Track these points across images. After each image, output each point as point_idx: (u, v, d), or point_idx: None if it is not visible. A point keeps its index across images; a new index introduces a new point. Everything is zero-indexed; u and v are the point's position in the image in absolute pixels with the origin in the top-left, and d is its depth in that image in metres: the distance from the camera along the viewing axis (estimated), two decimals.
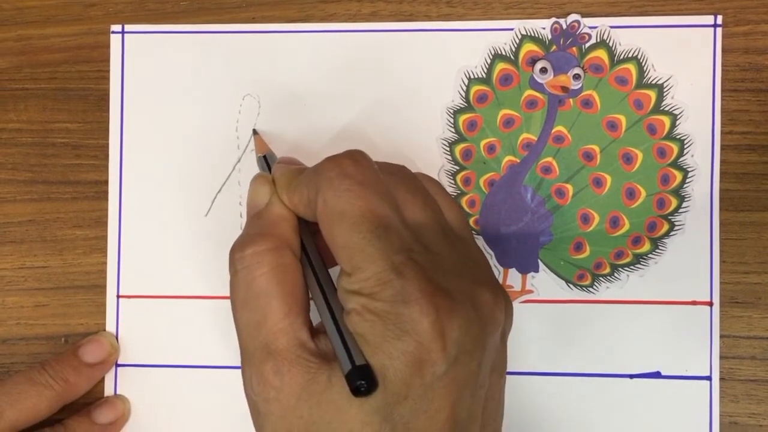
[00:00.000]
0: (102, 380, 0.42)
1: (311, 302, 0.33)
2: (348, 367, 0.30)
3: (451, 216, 0.34)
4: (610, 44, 0.41)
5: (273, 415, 0.31)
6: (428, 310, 0.29)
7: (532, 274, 0.42)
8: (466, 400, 0.30)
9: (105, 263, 0.43)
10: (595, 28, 0.41)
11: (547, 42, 0.41)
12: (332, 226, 0.31)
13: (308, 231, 0.35)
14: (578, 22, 0.41)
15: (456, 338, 0.30)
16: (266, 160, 0.39)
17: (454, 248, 0.33)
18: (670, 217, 0.41)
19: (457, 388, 0.30)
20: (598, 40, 0.41)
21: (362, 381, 0.29)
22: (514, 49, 0.42)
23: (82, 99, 0.43)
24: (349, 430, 0.29)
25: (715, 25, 0.41)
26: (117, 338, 0.43)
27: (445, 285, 0.30)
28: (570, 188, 0.41)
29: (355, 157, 0.32)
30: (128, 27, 0.43)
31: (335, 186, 0.31)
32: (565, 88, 0.41)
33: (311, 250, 0.34)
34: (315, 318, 0.33)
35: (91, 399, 0.42)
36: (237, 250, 0.33)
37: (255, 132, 0.42)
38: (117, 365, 0.42)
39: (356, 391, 0.29)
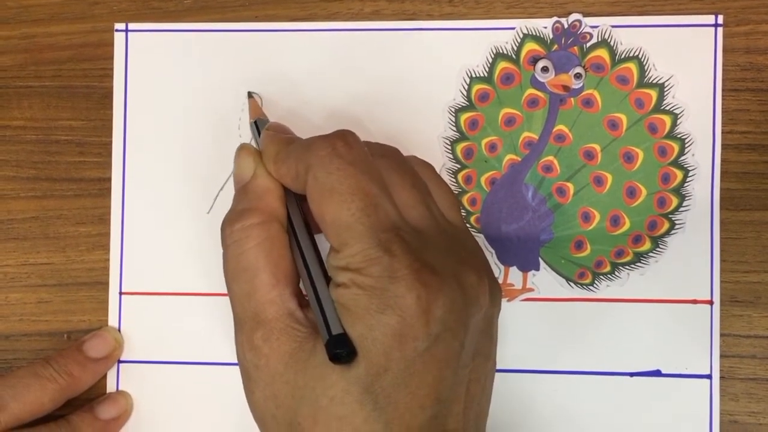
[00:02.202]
0: (105, 376, 0.43)
1: None
2: (326, 337, 0.30)
3: (441, 199, 0.35)
4: (612, 44, 0.41)
5: (262, 380, 0.32)
6: (414, 285, 0.30)
7: (532, 272, 0.42)
8: (448, 378, 0.31)
9: (108, 260, 0.43)
10: (596, 27, 0.41)
11: (549, 41, 0.42)
12: (322, 203, 0.32)
13: (294, 201, 0.35)
14: (579, 21, 0.41)
15: (440, 316, 0.30)
16: (257, 127, 0.39)
17: (442, 230, 0.33)
18: (670, 216, 0.41)
19: (438, 365, 0.30)
20: (600, 39, 0.41)
21: (340, 350, 0.30)
22: (515, 48, 0.42)
23: (86, 97, 0.44)
24: (332, 396, 0.30)
25: (716, 25, 0.41)
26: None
27: (431, 262, 0.31)
28: (571, 187, 0.42)
29: (347, 137, 0.33)
30: (132, 25, 0.43)
31: (326, 164, 0.32)
32: (566, 87, 0.41)
33: (297, 221, 0.35)
34: None
35: (94, 395, 0.42)
36: (226, 225, 0.34)
37: (250, 95, 0.42)
38: (119, 361, 0.43)
39: (335, 359, 0.30)
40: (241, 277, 0.33)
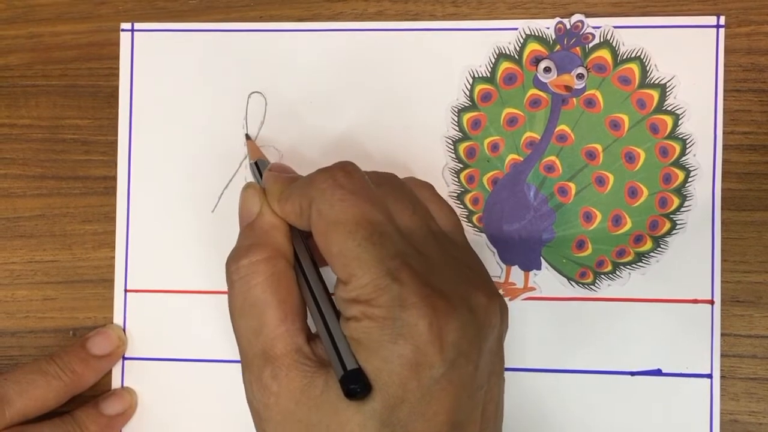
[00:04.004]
0: (109, 373, 0.43)
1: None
2: (341, 372, 0.30)
3: (443, 220, 0.35)
4: (614, 44, 0.41)
5: (273, 419, 0.32)
6: (425, 312, 0.30)
7: (534, 271, 0.42)
8: (464, 402, 0.31)
9: (113, 258, 0.43)
10: (598, 28, 0.42)
11: (551, 42, 0.42)
12: (327, 236, 0.32)
13: (300, 238, 0.35)
14: (582, 22, 0.42)
15: (453, 340, 0.30)
16: (258, 167, 0.39)
17: (447, 252, 0.33)
18: (672, 216, 0.41)
19: (455, 390, 0.30)
20: (602, 40, 0.42)
21: (355, 385, 0.30)
22: (518, 49, 0.42)
23: (92, 96, 0.44)
24: None
25: (717, 26, 0.41)
26: (124, 332, 0.43)
27: (440, 287, 0.31)
28: (572, 187, 0.42)
29: (347, 168, 0.33)
30: (138, 25, 0.44)
31: (328, 196, 0.32)
32: (568, 88, 0.42)
33: (303, 257, 0.35)
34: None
35: (99, 392, 0.43)
36: (232, 261, 0.34)
37: (248, 137, 0.43)
38: (124, 358, 0.43)
39: (350, 395, 0.30)
40: (248, 313, 0.33)
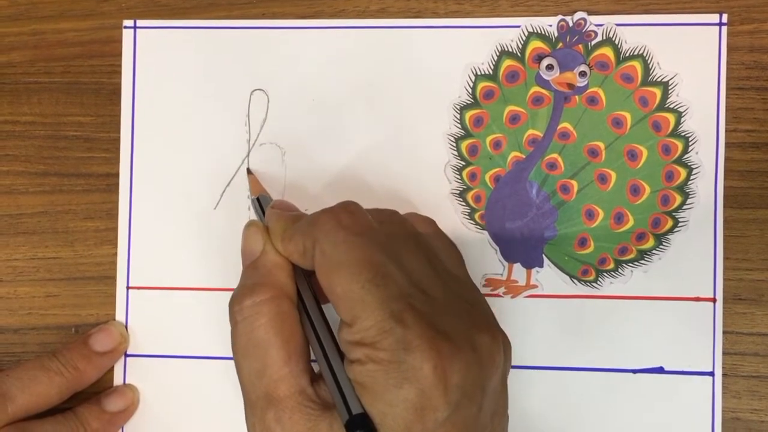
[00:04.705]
0: (112, 370, 0.43)
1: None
2: (346, 417, 0.30)
3: (445, 256, 0.35)
4: (616, 42, 0.41)
5: None
6: (430, 355, 0.30)
7: (536, 269, 0.42)
8: None
9: (115, 255, 0.43)
10: (601, 25, 0.42)
11: (554, 39, 0.42)
12: (331, 277, 0.32)
13: (303, 277, 0.35)
14: (584, 19, 0.42)
15: (457, 382, 0.30)
16: (260, 203, 0.40)
17: (450, 290, 0.33)
18: (674, 214, 0.41)
19: None
20: (604, 37, 0.42)
21: (360, 429, 0.30)
22: (520, 46, 0.42)
23: (95, 93, 0.44)
24: None
25: (720, 24, 0.41)
26: (127, 329, 0.43)
27: (444, 328, 0.31)
28: (575, 184, 0.42)
29: (350, 208, 0.34)
30: (140, 22, 0.44)
31: (332, 237, 0.32)
32: (570, 85, 0.42)
33: (307, 296, 0.35)
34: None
35: (101, 388, 0.43)
36: (236, 302, 0.34)
37: (249, 172, 0.43)
38: (126, 355, 0.43)
39: None
40: (251, 354, 0.33)
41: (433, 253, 0.35)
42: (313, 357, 0.34)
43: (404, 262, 0.33)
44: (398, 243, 0.33)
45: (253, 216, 0.42)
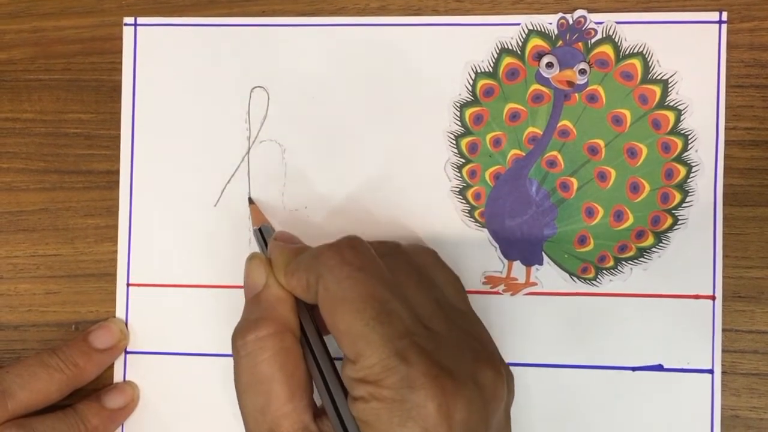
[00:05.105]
0: (112, 367, 0.43)
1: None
2: None
3: (447, 287, 0.35)
4: (616, 40, 0.41)
5: None
6: (433, 393, 0.30)
7: (536, 266, 0.42)
8: None
9: (115, 252, 0.43)
10: (601, 23, 0.42)
11: (554, 37, 0.42)
12: (335, 313, 0.32)
13: (306, 310, 0.35)
14: (584, 17, 0.42)
15: (461, 419, 0.30)
16: (262, 234, 0.40)
17: (453, 324, 0.33)
18: (673, 212, 0.41)
19: None
20: (604, 35, 0.42)
21: None
22: (520, 44, 0.42)
23: (95, 90, 0.44)
24: None
25: (720, 22, 0.41)
26: (127, 326, 0.43)
27: (447, 365, 0.31)
28: (575, 182, 0.42)
29: (353, 243, 0.34)
30: (141, 19, 0.44)
31: (336, 273, 0.32)
32: (570, 83, 0.42)
33: (310, 330, 0.35)
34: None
35: (101, 385, 0.43)
36: (239, 336, 0.34)
37: (251, 201, 0.43)
38: (126, 352, 0.43)
39: None
40: (254, 389, 0.33)
41: (435, 286, 0.35)
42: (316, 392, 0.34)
43: (408, 297, 0.33)
44: (401, 277, 0.33)
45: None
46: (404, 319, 0.31)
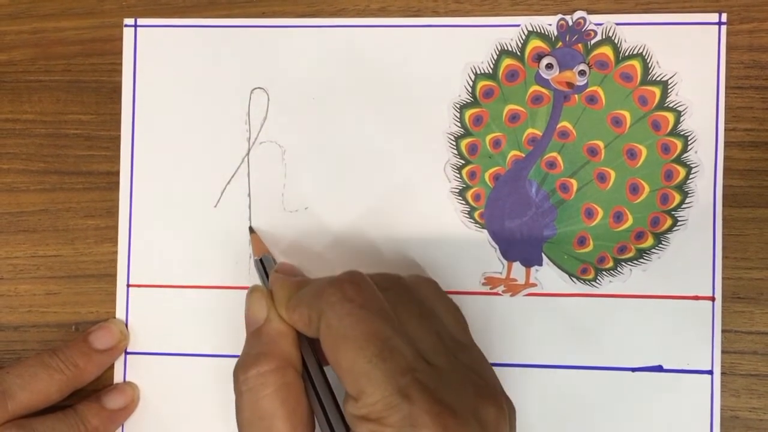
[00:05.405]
0: (112, 367, 0.43)
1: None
2: None
3: (448, 318, 0.35)
4: (616, 41, 0.42)
5: None
6: (436, 431, 0.30)
7: (535, 267, 0.42)
8: None
9: (116, 253, 0.44)
10: (600, 24, 0.42)
11: (553, 38, 0.42)
12: (337, 350, 0.32)
13: (308, 345, 0.35)
14: (584, 18, 0.42)
15: None
16: (263, 264, 0.40)
17: (455, 358, 0.33)
18: (673, 213, 0.41)
19: None
20: (604, 36, 0.42)
21: None
22: (520, 45, 0.42)
23: (95, 91, 0.44)
24: None
25: (719, 23, 0.41)
26: (127, 326, 0.43)
27: (449, 402, 0.31)
28: (574, 183, 0.42)
29: (355, 279, 0.33)
30: (141, 21, 0.44)
31: (338, 310, 0.32)
32: (570, 84, 0.42)
33: (311, 364, 0.35)
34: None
35: (101, 386, 0.43)
36: (240, 371, 0.34)
37: (252, 230, 0.43)
38: (126, 353, 0.43)
39: None
40: (256, 425, 0.33)
41: (437, 318, 0.35)
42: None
43: (409, 332, 0.33)
44: (403, 312, 0.33)
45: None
46: (406, 355, 0.31)
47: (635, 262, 0.41)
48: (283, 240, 0.43)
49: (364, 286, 0.33)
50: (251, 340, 0.35)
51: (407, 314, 0.33)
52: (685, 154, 0.41)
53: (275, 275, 0.37)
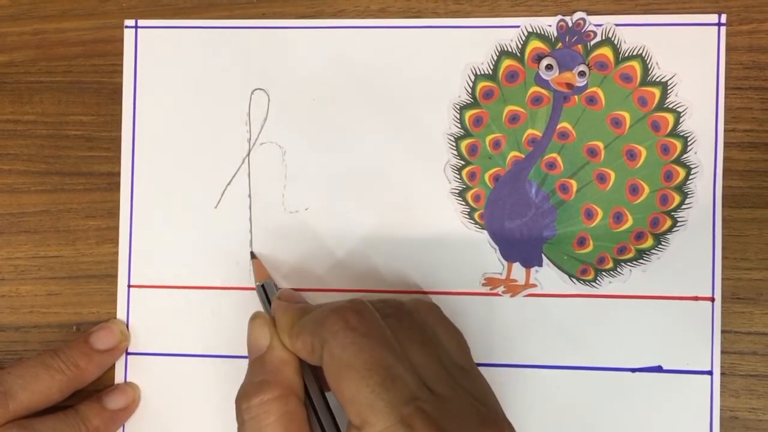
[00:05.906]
0: (113, 368, 0.43)
1: None
2: None
3: (450, 343, 0.35)
4: (615, 42, 0.42)
5: None
6: None
7: (535, 268, 0.42)
8: None
9: (116, 253, 0.44)
10: (600, 26, 0.42)
11: (553, 39, 0.42)
12: (340, 379, 0.32)
13: (310, 373, 0.35)
14: (584, 19, 0.42)
15: None
16: (265, 290, 0.40)
17: (458, 385, 0.33)
18: (673, 214, 0.41)
19: None
20: (604, 37, 0.42)
21: None
22: (520, 46, 0.42)
23: (96, 92, 0.44)
24: None
25: (719, 24, 0.41)
26: (128, 327, 0.43)
27: (452, 431, 0.31)
28: (574, 184, 0.42)
29: (357, 308, 0.33)
30: (142, 22, 0.44)
31: (341, 339, 0.32)
32: (570, 85, 0.42)
33: (314, 392, 0.35)
34: None
35: (102, 386, 0.43)
36: (243, 399, 0.34)
37: (253, 256, 0.43)
38: (127, 353, 0.43)
39: None
40: None
41: (439, 345, 0.35)
42: None
43: (412, 359, 0.33)
44: (405, 339, 0.33)
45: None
46: (409, 383, 0.31)
47: (635, 262, 0.41)
48: (283, 242, 0.43)
49: (367, 314, 0.33)
50: (254, 367, 0.35)
51: (409, 341, 0.33)
52: (685, 155, 0.41)
53: (277, 302, 0.37)
